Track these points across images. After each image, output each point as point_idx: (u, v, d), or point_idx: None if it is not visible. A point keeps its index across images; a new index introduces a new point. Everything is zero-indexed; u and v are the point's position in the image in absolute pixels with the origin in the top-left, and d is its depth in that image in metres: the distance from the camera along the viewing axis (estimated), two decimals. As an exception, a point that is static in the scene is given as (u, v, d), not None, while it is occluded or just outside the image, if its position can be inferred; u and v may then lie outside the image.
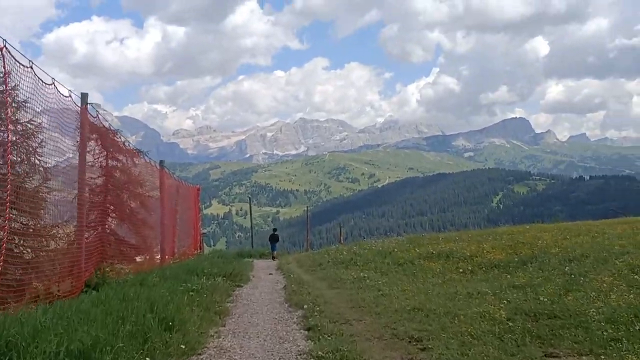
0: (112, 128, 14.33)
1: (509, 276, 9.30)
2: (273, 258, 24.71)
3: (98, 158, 12.38)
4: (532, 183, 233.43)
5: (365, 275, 11.76)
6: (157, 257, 16.03)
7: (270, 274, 16.49)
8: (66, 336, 4.40)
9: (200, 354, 5.80)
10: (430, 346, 5.44)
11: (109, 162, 12.68)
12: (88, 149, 11.56)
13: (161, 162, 16.55)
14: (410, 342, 5.75)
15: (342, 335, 6.25)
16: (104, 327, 5.11)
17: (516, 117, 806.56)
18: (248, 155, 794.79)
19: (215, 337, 6.67)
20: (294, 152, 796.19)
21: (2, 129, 8.70)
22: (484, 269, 10.73)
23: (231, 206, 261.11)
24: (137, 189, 14.17)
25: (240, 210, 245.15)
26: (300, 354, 5.75)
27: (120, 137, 13.79)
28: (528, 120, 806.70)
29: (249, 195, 50.17)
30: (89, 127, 11.49)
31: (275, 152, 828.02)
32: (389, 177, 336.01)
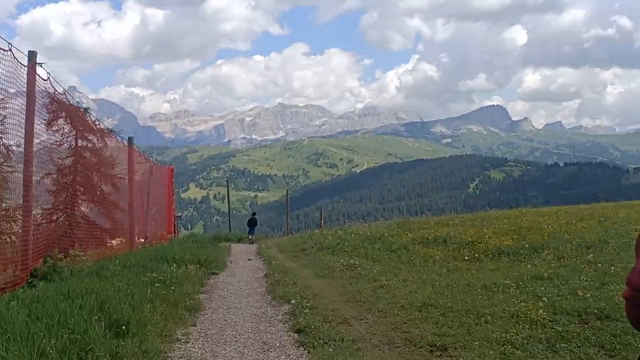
0: (80, 105, 13.44)
1: (528, 266, 8.15)
2: (251, 242, 23.75)
3: (67, 138, 11.56)
4: (508, 169, 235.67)
5: (356, 262, 10.53)
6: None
7: (249, 259, 15.18)
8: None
9: (160, 368, 4.49)
10: (461, 358, 4.21)
11: (79, 141, 11.87)
12: (56, 128, 11.05)
13: (129, 139, 14.95)
14: (432, 351, 4.52)
15: (342, 340, 4.97)
16: (25, 341, 3.73)
17: (494, 105, 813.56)
18: (226, 139, 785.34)
19: (182, 341, 5.34)
20: (272, 137, 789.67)
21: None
22: (490, 256, 9.59)
23: (209, 190, 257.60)
24: (109, 171, 13.32)
25: (218, 194, 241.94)
26: (292, 368, 4.47)
27: (89, 116, 13.07)
28: (505, 108, 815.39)
29: (227, 179, 48.54)
30: (58, 105, 10.86)
31: (253, 136, 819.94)
32: (367, 163, 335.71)
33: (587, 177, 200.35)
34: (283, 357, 4.80)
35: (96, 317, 4.78)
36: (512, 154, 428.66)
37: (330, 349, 4.71)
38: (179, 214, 27.29)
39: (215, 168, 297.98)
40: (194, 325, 6.04)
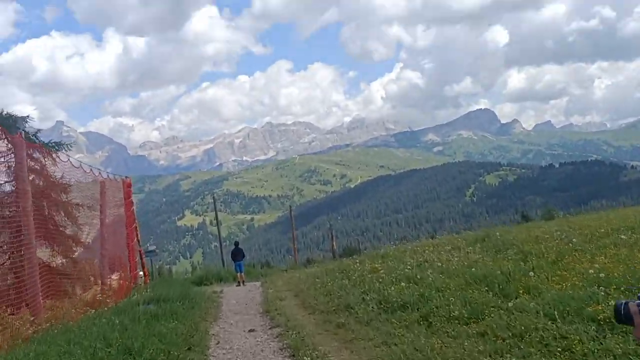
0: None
1: None
2: (239, 283, 17.18)
3: (6, 157, 8.90)
4: (503, 174, 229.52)
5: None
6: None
7: (251, 330, 8.52)
8: None
9: None
10: None
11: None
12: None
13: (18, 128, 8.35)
14: None
15: None
16: None
17: (481, 109, 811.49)
18: (218, 163, 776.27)
19: None
20: (263, 157, 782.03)
21: None
22: None
23: (204, 216, 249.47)
24: (60, 196, 10.99)
25: (214, 219, 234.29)
26: None
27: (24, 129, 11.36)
28: (493, 111, 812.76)
29: (214, 198, 41.76)
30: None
31: (244, 158, 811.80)
32: (361, 177, 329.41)
33: (584, 176, 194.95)
34: None
35: None
36: (505, 158, 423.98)
37: None
38: (152, 247, 20.28)
39: (209, 193, 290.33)
40: None
